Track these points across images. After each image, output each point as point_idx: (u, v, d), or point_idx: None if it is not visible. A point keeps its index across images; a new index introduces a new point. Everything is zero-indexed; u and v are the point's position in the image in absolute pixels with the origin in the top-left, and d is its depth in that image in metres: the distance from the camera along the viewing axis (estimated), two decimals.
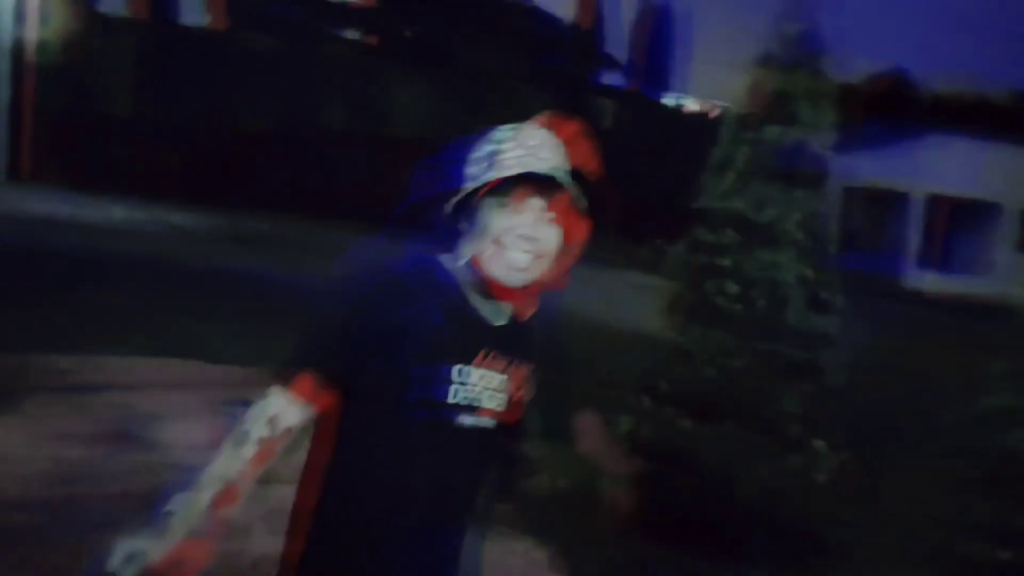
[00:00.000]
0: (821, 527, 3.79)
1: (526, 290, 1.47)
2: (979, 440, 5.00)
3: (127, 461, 4.20)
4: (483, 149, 1.46)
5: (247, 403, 1.41)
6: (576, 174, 1.47)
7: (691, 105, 25.22)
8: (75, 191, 16.36)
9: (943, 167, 20.58)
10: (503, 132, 1.47)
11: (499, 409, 1.51)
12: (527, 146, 1.44)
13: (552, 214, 1.43)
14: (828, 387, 3.83)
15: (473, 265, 1.45)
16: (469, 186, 1.44)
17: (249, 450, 1.36)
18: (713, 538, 3.79)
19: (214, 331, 6.99)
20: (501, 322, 1.52)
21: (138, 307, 7.47)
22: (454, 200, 1.46)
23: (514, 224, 1.42)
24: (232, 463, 1.35)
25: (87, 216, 13.93)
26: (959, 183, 20.80)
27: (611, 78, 25.77)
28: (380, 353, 1.40)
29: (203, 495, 1.33)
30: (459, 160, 1.49)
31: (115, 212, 14.89)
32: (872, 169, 22.10)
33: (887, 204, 22.52)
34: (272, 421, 1.38)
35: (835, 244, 3.86)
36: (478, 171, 1.44)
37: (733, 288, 3.77)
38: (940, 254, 21.94)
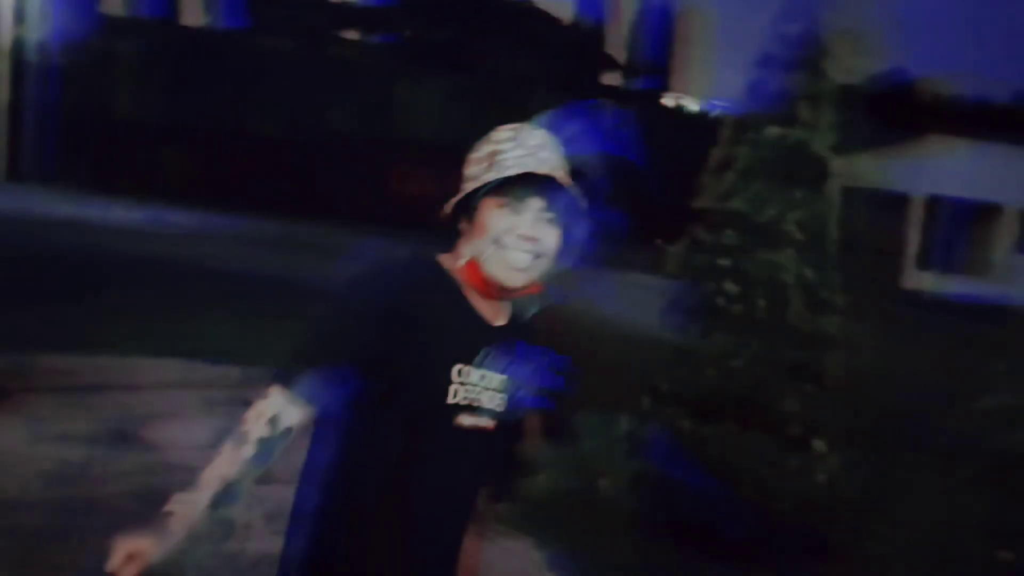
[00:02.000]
0: (821, 527, 3.79)
1: (525, 290, 1.48)
2: (979, 440, 5.01)
3: (127, 461, 4.20)
4: (483, 149, 1.48)
5: (247, 403, 1.41)
6: (578, 173, 1.48)
7: (692, 105, 25.24)
8: (75, 191, 16.40)
9: (943, 169, 20.59)
10: (503, 132, 1.48)
11: (499, 410, 1.51)
12: (527, 146, 1.44)
13: (552, 214, 1.44)
14: (829, 387, 3.83)
15: (472, 265, 1.45)
16: (469, 186, 1.45)
17: (248, 450, 1.35)
18: (713, 537, 3.79)
19: (216, 331, 7.00)
20: (501, 322, 1.53)
21: (138, 307, 7.48)
22: (454, 200, 1.47)
23: (514, 224, 1.42)
24: (232, 463, 1.34)
25: (87, 216, 13.95)
26: (959, 185, 20.79)
27: (615, 79, 25.82)
28: (381, 354, 1.39)
29: (203, 495, 1.33)
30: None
31: (115, 212, 14.91)
32: (872, 170, 22.07)
33: (887, 205, 22.48)
34: (272, 421, 1.36)
35: (837, 244, 3.86)
36: (478, 171, 1.46)
37: (733, 288, 3.77)
38: (940, 255, 21.93)
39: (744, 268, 3.78)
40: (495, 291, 1.47)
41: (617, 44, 25.72)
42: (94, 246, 10.99)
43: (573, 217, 1.46)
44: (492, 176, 1.42)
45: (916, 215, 21.14)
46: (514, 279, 1.44)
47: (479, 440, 1.49)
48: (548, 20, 24.48)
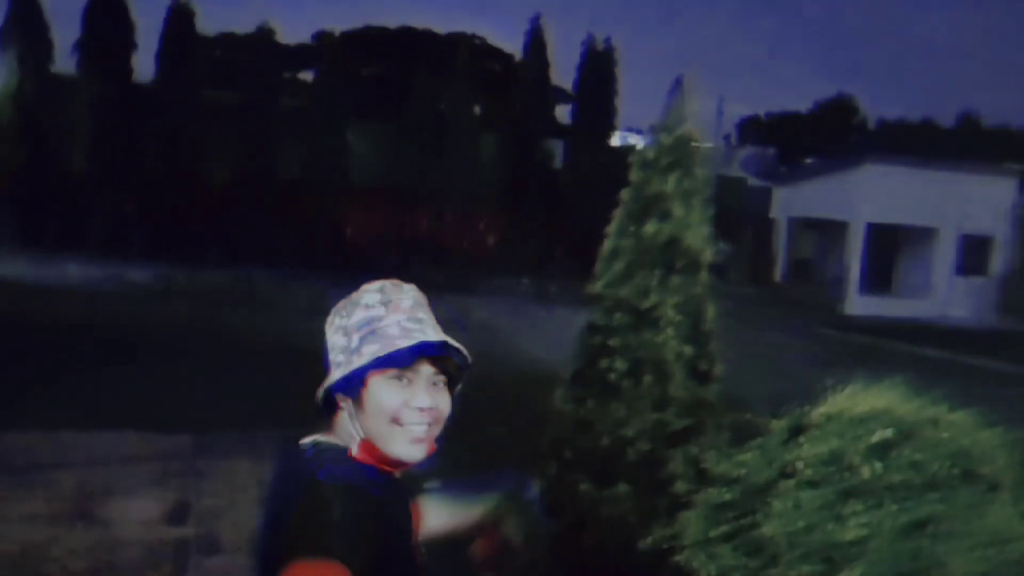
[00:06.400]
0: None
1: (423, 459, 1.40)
2: None
3: (88, 539, 4.58)
4: (353, 316, 1.38)
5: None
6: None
7: (639, 143, 25.98)
8: (28, 249, 16.52)
9: (883, 195, 21.45)
10: (370, 295, 1.40)
11: None
12: (403, 308, 1.38)
13: (443, 377, 1.38)
14: (711, 447, 4.33)
15: (370, 448, 1.35)
16: (351, 361, 1.35)
17: None
18: None
19: (167, 396, 7.33)
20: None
21: (92, 374, 7.77)
22: (332, 379, 1.36)
23: (410, 397, 1.34)
24: None
25: (41, 275, 14.14)
26: (899, 211, 21.66)
27: (562, 116, 26.51)
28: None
29: None
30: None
31: (70, 270, 15.11)
32: (816, 199, 22.98)
33: (831, 233, 23.37)
34: None
35: (712, 321, 4.38)
36: (356, 341, 1.35)
37: (623, 365, 4.28)
38: (881, 279, 22.81)
39: (632, 347, 4.29)
40: (394, 467, 1.39)
41: (566, 81, 26.42)
42: (48, 307, 11.19)
43: (460, 371, 1.41)
44: (380, 350, 1.33)
45: (856, 241, 21.97)
46: (416, 455, 1.36)
47: None
48: (495, 56, 25.16)
